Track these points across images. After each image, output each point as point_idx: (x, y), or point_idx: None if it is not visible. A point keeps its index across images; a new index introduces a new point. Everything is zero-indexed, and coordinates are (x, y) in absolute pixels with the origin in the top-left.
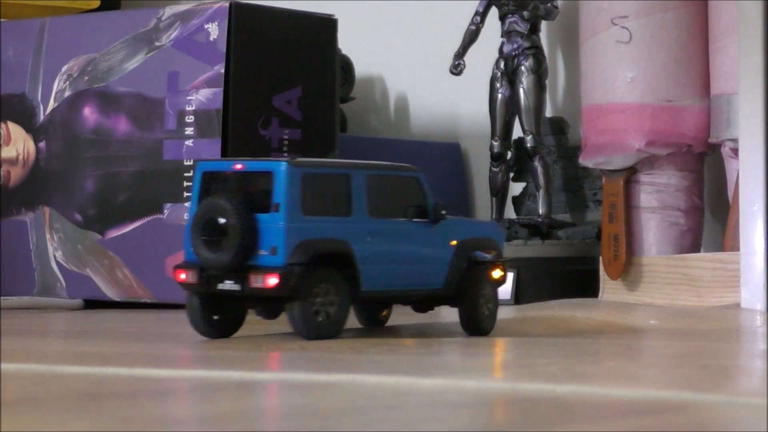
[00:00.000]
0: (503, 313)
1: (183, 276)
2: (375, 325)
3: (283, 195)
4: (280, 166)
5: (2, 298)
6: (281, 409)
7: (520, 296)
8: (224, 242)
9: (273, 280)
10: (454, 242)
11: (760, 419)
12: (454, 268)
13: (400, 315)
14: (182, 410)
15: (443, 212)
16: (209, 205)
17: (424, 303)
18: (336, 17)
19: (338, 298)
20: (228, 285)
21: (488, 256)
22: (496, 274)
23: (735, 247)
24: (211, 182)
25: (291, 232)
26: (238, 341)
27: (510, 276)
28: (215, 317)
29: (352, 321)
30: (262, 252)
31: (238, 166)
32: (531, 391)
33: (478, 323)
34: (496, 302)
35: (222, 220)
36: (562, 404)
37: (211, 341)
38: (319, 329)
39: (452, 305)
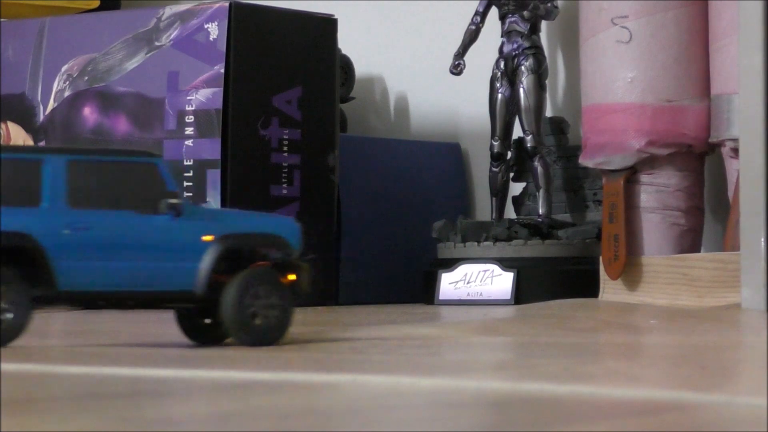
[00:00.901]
0: (504, 313)
1: None
2: (206, 340)
3: None
4: None
5: None
6: (281, 409)
7: (520, 296)
8: None
9: None
10: (209, 237)
11: (760, 419)
12: (206, 267)
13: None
14: (182, 410)
15: (173, 202)
16: None
17: (187, 308)
18: (336, 17)
19: (14, 300)
20: None
21: (277, 255)
22: (294, 276)
23: (735, 247)
24: None
25: None
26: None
27: (510, 276)
28: None
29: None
30: None
31: None
32: (531, 391)
33: (244, 332)
34: (285, 309)
35: None
36: (562, 404)
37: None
38: None
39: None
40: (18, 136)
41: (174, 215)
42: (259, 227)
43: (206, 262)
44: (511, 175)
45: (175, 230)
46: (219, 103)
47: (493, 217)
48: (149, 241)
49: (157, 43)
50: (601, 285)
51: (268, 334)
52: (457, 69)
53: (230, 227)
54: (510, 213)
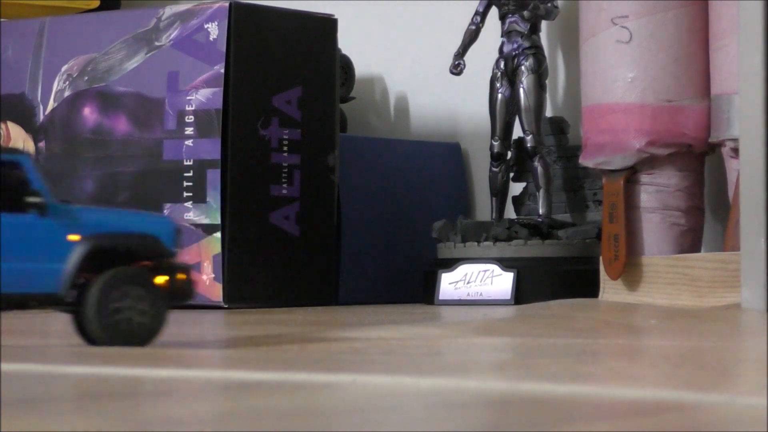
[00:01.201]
0: (504, 313)
1: None
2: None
3: None
4: None
5: None
6: (281, 409)
7: (520, 296)
8: None
9: None
10: (76, 237)
11: (760, 419)
12: (71, 268)
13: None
14: (182, 410)
15: (36, 201)
16: None
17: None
18: (336, 17)
19: None
20: None
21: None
22: (167, 277)
23: (735, 247)
24: None
25: None
26: (238, 341)
27: (510, 276)
28: None
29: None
30: None
31: None
32: (531, 391)
33: (106, 331)
34: (155, 310)
35: None
36: (562, 404)
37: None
38: None
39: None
40: (18, 136)
41: (38, 214)
42: (131, 226)
43: (71, 262)
44: (511, 175)
45: (39, 230)
46: (219, 103)
47: (493, 217)
48: (12, 241)
49: (157, 43)
50: (601, 285)
51: (133, 335)
52: (457, 69)
53: (99, 226)
54: (510, 213)
